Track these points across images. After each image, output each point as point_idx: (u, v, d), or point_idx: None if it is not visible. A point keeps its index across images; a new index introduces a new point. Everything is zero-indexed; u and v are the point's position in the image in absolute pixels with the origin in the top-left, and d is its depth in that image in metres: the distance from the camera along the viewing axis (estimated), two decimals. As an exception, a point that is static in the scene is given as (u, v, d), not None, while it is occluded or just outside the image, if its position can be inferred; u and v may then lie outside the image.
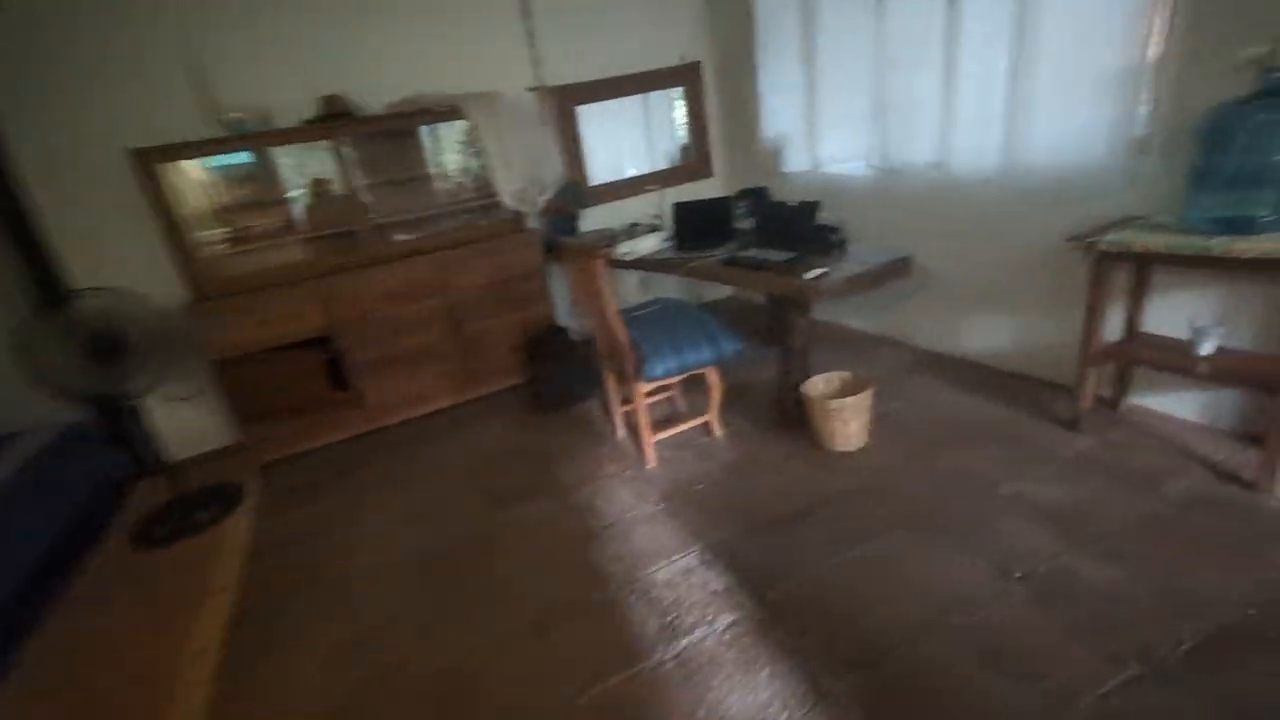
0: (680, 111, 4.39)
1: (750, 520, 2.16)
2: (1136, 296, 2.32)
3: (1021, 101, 2.47)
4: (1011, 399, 2.67)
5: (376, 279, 3.14)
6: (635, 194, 4.25)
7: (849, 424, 2.39)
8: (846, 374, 2.57)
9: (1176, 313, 2.27)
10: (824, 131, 3.50)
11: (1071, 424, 2.38)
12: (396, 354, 3.25)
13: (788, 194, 3.71)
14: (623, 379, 2.59)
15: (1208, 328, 2.05)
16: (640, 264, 3.22)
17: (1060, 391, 2.65)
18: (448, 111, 3.26)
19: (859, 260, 2.45)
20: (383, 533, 2.50)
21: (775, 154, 3.97)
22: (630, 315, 2.69)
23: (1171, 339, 2.23)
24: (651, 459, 2.61)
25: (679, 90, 4.31)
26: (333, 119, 3.08)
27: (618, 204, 4.24)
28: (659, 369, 2.29)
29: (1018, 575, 1.73)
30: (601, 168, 4.27)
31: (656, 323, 2.53)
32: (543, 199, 3.67)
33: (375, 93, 3.33)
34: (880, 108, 3.11)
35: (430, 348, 3.33)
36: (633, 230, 3.82)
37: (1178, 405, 2.35)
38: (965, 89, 2.66)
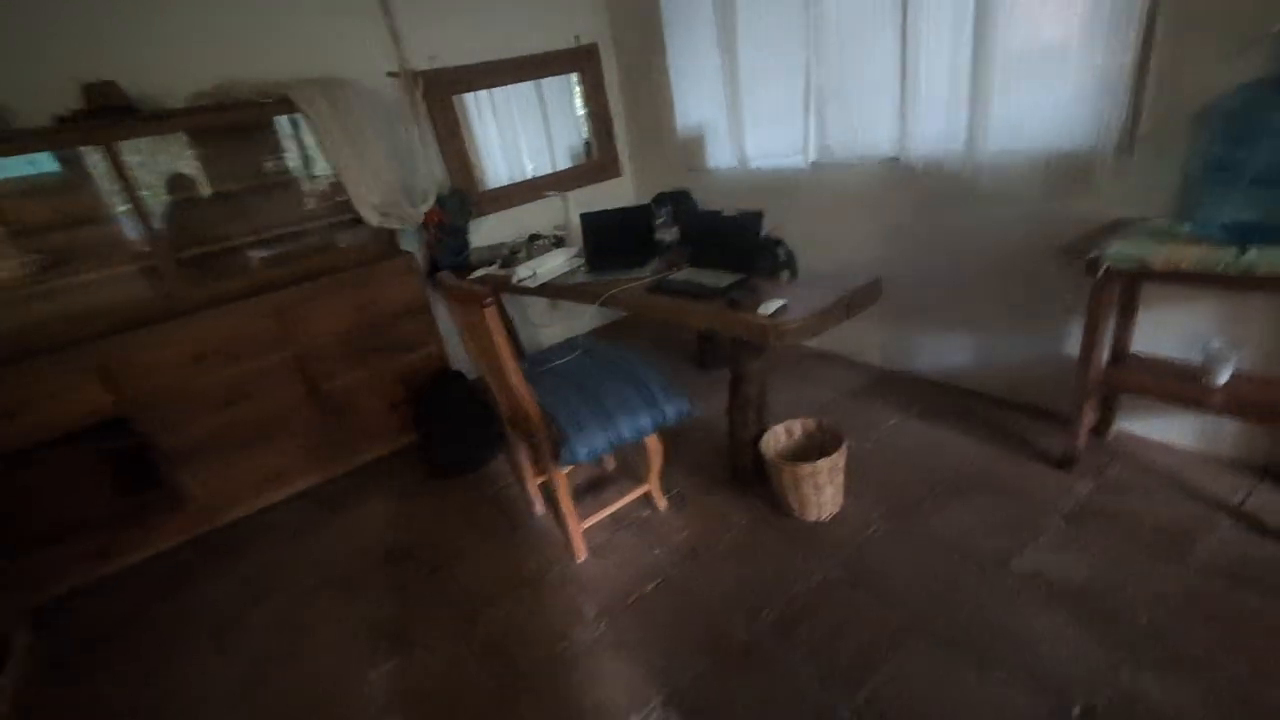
0: (580, 102, 3.78)
1: (721, 641, 1.65)
2: (1128, 312, 2.01)
3: (989, 82, 2.09)
4: (989, 430, 2.33)
5: (185, 334, 2.33)
6: (534, 199, 3.61)
7: (822, 490, 1.93)
8: (810, 421, 2.11)
9: (1164, 328, 2.00)
10: (751, 122, 3.03)
11: (1064, 463, 2.06)
12: (228, 429, 2.45)
13: (713, 196, 3.22)
14: (536, 454, 1.99)
15: (1223, 352, 1.75)
16: (546, 291, 2.61)
17: (1040, 417, 2.34)
18: (273, 105, 2.47)
19: (819, 284, 1.98)
20: (205, 707, 1.76)
21: (694, 149, 3.46)
22: (541, 371, 2.08)
23: (1172, 363, 1.94)
24: (582, 550, 2.04)
25: (578, 78, 3.70)
26: (99, 115, 2.22)
27: (514, 212, 3.58)
28: (582, 450, 1.72)
29: (1077, 712, 1.33)
30: (493, 170, 3.59)
31: (576, 382, 1.95)
32: (418, 212, 2.95)
33: (174, 80, 2.48)
34: (819, 93, 2.67)
35: (278, 416, 2.55)
36: (533, 245, 3.19)
37: (1172, 431, 2.09)
38: (924, 68, 2.26)
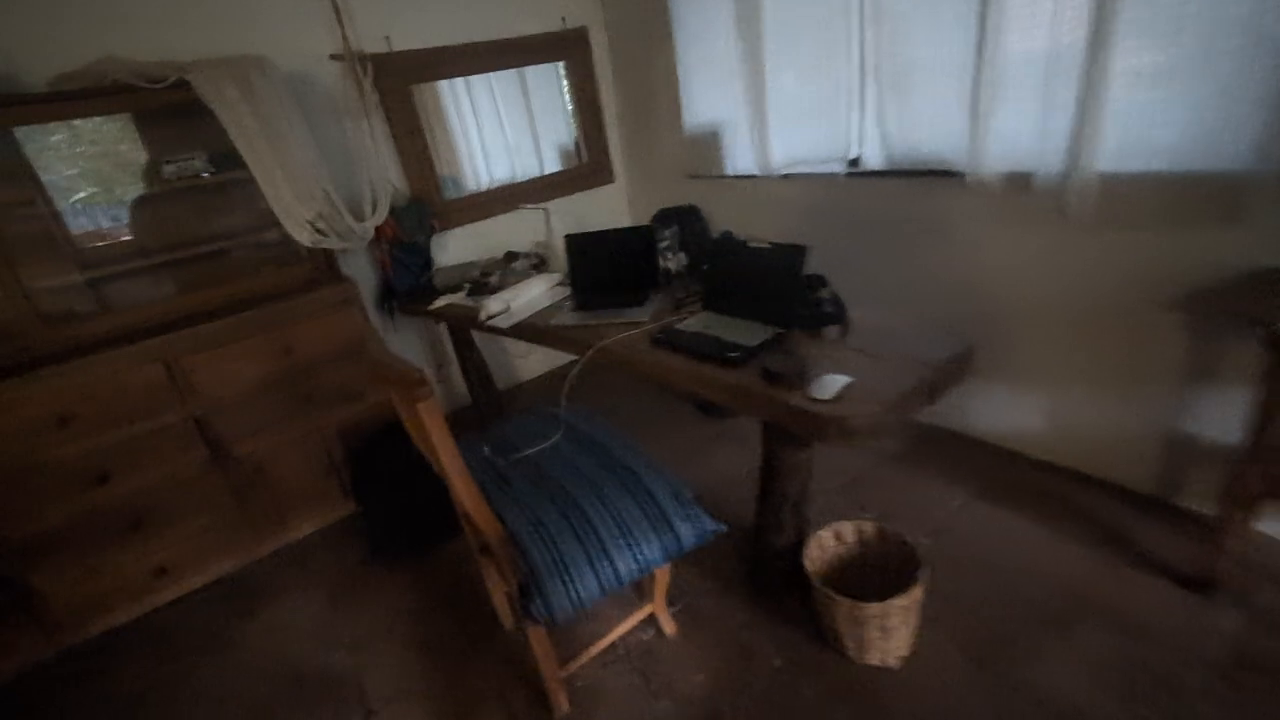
0: (568, 95, 3.23)
1: None
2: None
3: (1106, 75, 1.60)
4: (1079, 523, 1.84)
5: (43, 390, 1.76)
6: (511, 209, 3.06)
7: (892, 634, 1.42)
8: (867, 524, 1.60)
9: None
10: (777, 119, 2.50)
11: (1200, 585, 1.57)
12: (100, 512, 1.88)
13: (725, 210, 2.71)
14: (502, 574, 1.46)
15: None
16: (521, 332, 2.08)
17: (1143, 507, 1.86)
18: (164, 90, 1.90)
19: (881, 344, 1.46)
20: None
21: (702, 153, 2.94)
22: (508, 465, 1.54)
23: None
24: (563, 703, 1.51)
25: (564, 66, 3.15)
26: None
27: (487, 225, 3.03)
28: (562, 604, 1.18)
29: None
30: (463, 175, 3.04)
31: (556, 485, 1.41)
32: (366, 227, 2.40)
33: (41, 55, 1.91)
34: (877, 78, 2.17)
35: (171, 491, 1.99)
36: (508, 266, 2.65)
37: (1335, 541, 1.61)
38: (1013, 47, 1.77)
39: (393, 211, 2.55)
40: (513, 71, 3.09)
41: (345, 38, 2.41)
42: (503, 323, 2.09)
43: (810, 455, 1.50)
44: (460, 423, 3.02)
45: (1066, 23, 1.64)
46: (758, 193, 2.69)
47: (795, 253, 1.60)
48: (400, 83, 2.65)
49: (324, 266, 2.26)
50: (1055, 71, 1.71)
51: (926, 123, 2.08)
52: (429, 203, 2.76)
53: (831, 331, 1.59)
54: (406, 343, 2.90)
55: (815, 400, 1.27)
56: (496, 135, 3.15)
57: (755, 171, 2.64)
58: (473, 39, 2.78)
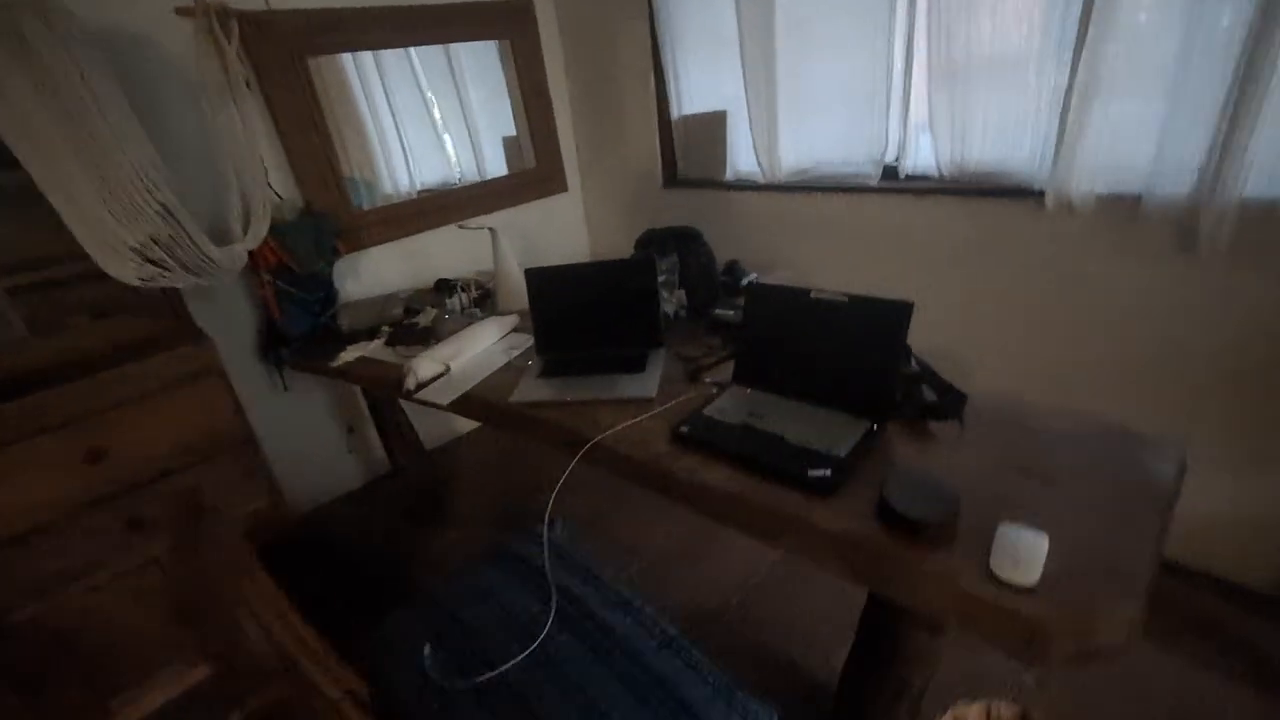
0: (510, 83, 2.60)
1: None
2: None
3: (1267, 78, 1.20)
4: (1241, 652, 1.43)
5: None
6: (442, 224, 2.41)
7: None
8: (1004, 707, 1.11)
9: None
10: (791, 111, 2.00)
11: None
12: None
13: (720, 229, 2.18)
14: None
15: None
16: (469, 409, 1.46)
17: (1258, 603, 1.48)
18: None
19: (1046, 455, 0.98)
20: None
21: (688, 155, 2.40)
22: (457, 699, 0.93)
23: None
24: None
25: (503, 47, 2.52)
26: None
27: (412, 243, 2.36)
28: None
29: None
30: (379, 177, 2.36)
31: None
32: (232, 253, 1.69)
33: None
34: (923, 70, 1.72)
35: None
36: (444, 301, 2.01)
37: None
38: (1128, 27, 1.34)
39: (276, 231, 1.85)
40: (440, 51, 2.44)
41: (200, -15, 1.69)
42: (440, 395, 1.46)
43: (939, 649, 0.98)
44: (377, 498, 2.34)
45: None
46: (762, 207, 2.18)
47: (894, 312, 1.08)
48: (286, 54, 1.95)
49: (166, 317, 1.53)
50: (1190, 61, 1.29)
51: (995, 127, 1.64)
52: (331, 217, 2.06)
53: (941, 427, 1.08)
54: (303, 401, 2.19)
55: (1005, 585, 0.75)
56: (423, 130, 2.48)
57: (758, 176, 2.13)
58: (382, 1, 2.12)
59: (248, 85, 1.80)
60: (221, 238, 1.68)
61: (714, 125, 2.25)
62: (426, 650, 0.95)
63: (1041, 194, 1.58)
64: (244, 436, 1.52)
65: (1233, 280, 1.39)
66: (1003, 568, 0.77)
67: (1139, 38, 1.34)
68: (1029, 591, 0.74)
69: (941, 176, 1.79)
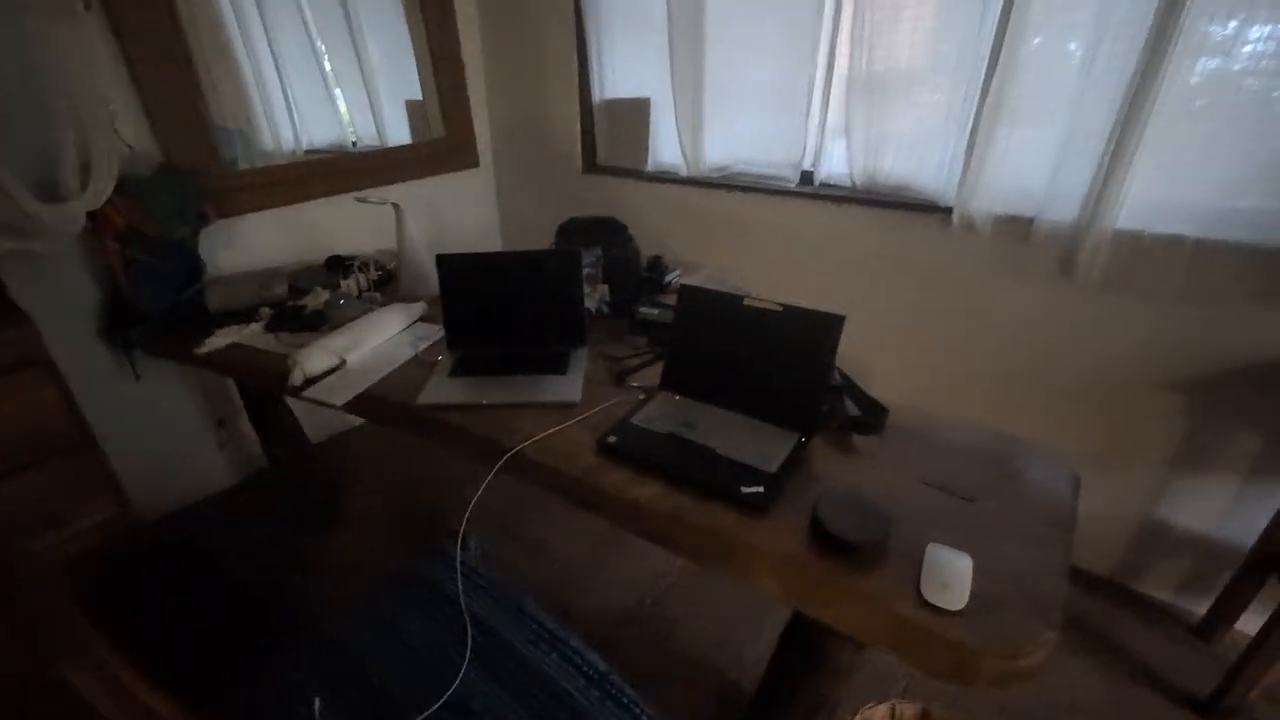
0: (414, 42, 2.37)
1: None
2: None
3: (1158, 98, 1.32)
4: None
5: None
6: (335, 192, 2.16)
7: None
8: (907, 707, 1.16)
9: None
10: (717, 106, 1.97)
11: (1211, 710, 1.39)
12: None
13: (642, 221, 2.13)
14: None
15: None
16: (367, 409, 1.31)
17: (1105, 590, 1.69)
18: None
19: (962, 474, 1.02)
20: None
21: (612, 141, 2.31)
22: None
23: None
24: None
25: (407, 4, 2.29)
26: None
27: (299, 212, 2.10)
28: None
29: None
30: (259, 131, 2.07)
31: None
32: (70, 210, 1.40)
33: None
34: (841, 80, 1.74)
35: None
36: (338, 281, 1.80)
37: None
38: (1033, 58, 1.42)
39: (127, 188, 1.56)
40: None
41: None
42: (334, 394, 1.30)
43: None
44: (252, 499, 2.09)
45: (1114, 27, 1.32)
46: (686, 201, 2.15)
47: (825, 324, 1.08)
48: (143, -24, 1.63)
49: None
50: (1086, 95, 1.40)
51: (908, 142, 1.70)
52: (198, 175, 1.77)
53: (862, 440, 1.11)
54: (159, 390, 1.89)
55: (935, 609, 0.77)
56: (312, 83, 2.21)
57: (681, 169, 2.10)
58: (271, -70, 1.83)
59: (86, 8, 1.49)
60: (51, 193, 1.39)
61: (637, 112, 2.18)
62: (317, 704, 0.83)
63: (947, 210, 1.67)
64: (78, 439, 1.27)
65: (1102, 306, 1.54)
66: (932, 592, 0.78)
67: (1044, 67, 1.43)
68: (957, 615, 0.76)
69: (854, 185, 1.84)
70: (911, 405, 1.15)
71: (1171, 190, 1.38)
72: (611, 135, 2.30)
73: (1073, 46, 1.41)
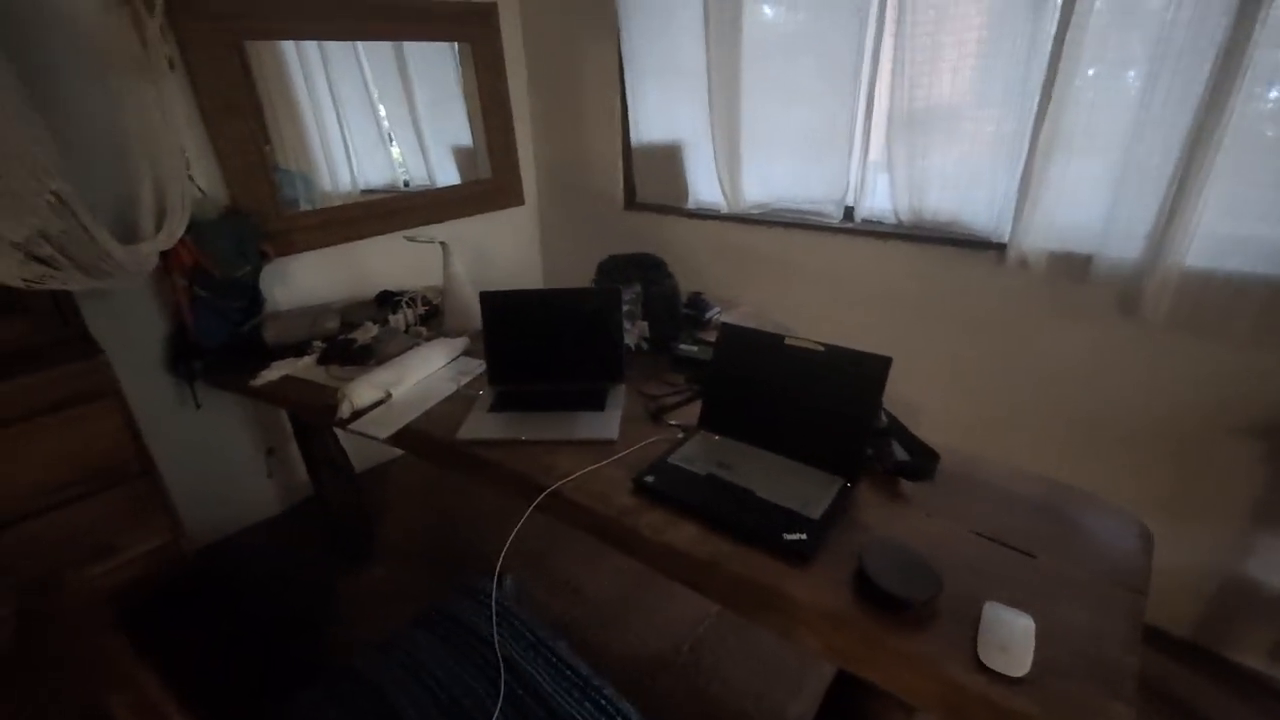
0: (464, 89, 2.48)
1: None
2: None
3: (1222, 132, 1.26)
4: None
5: None
6: (386, 231, 2.25)
7: None
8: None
9: None
10: (754, 145, 1.99)
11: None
12: None
13: (683, 258, 2.14)
14: None
15: None
16: (409, 443, 1.33)
17: (1186, 653, 1.55)
18: None
19: (1019, 525, 0.96)
20: None
21: (653, 179, 2.35)
22: None
23: None
24: None
25: (461, 50, 2.41)
26: None
27: (351, 250, 2.19)
28: None
29: None
30: (318, 175, 2.19)
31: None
32: (145, 251, 1.50)
33: None
34: (883, 116, 1.72)
35: None
36: (386, 316, 1.86)
37: None
38: (1089, 90, 1.38)
39: (194, 229, 1.66)
40: (388, 47, 2.30)
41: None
42: (378, 427, 1.32)
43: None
44: (295, 529, 2.14)
45: (1173, 58, 1.28)
46: (726, 238, 2.15)
47: (872, 366, 1.05)
48: (220, 35, 1.77)
49: (54, 324, 1.33)
50: (1145, 127, 1.34)
51: (954, 177, 1.67)
52: (259, 216, 1.88)
53: (911, 487, 1.06)
54: (215, 419, 1.97)
55: (994, 674, 0.72)
56: (368, 129, 2.33)
57: (721, 207, 2.11)
58: (337, -10, 1.97)
59: (170, 65, 1.62)
60: (129, 235, 1.49)
61: (672, 154, 2.21)
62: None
63: (996, 246, 1.62)
64: (141, 467, 1.33)
65: (1167, 347, 1.45)
66: (991, 655, 0.73)
67: (1099, 98, 1.39)
68: (1019, 682, 0.70)
69: (899, 221, 1.81)
70: (961, 450, 1.10)
71: (1244, 225, 1.31)
72: (650, 175, 2.34)
73: (1130, 76, 1.36)
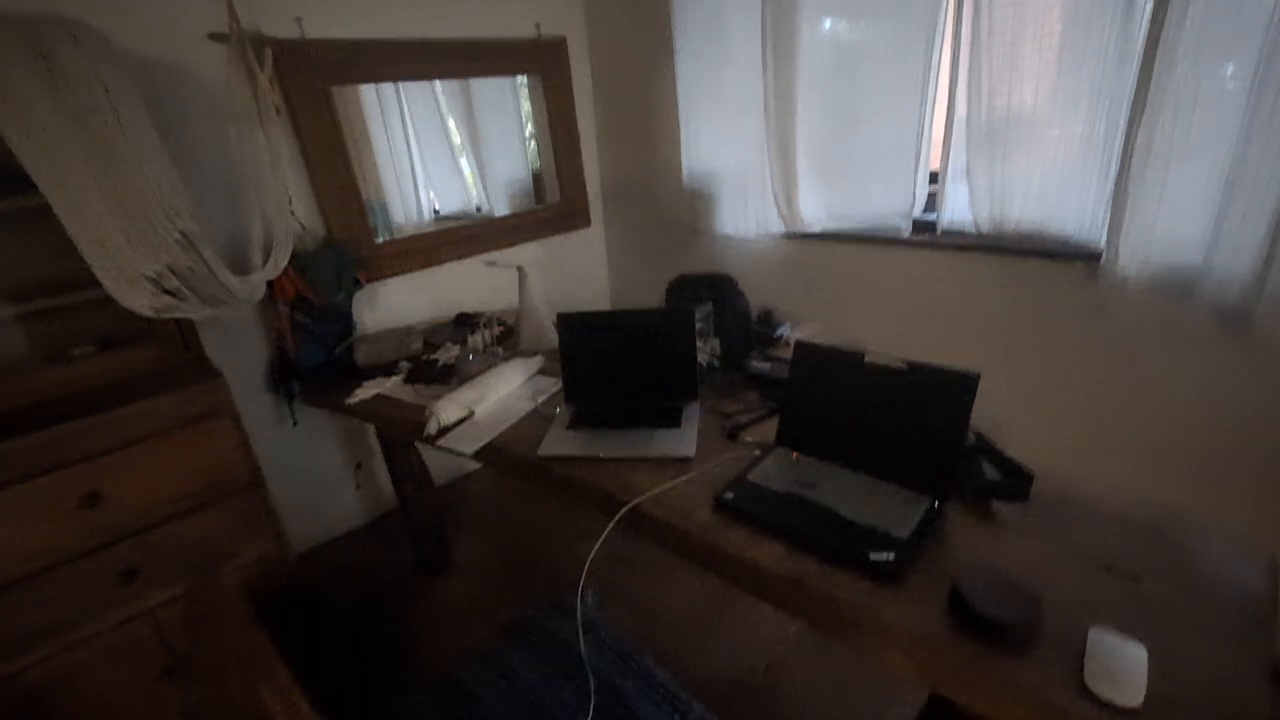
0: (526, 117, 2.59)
1: None
2: None
3: None
4: None
5: None
6: (460, 255, 2.36)
7: None
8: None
9: None
10: (813, 165, 1.99)
11: None
12: None
13: (748, 275, 2.15)
14: None
15: None
16: (492, 459, 1.39)
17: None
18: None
19: (1127, 550, 0.92)
20: None
21: (712, 200, 2.37)
22: None
23: None
24: None
25: (529, 84, 2.52)
26: None
27: (430, 275, 2.31)
28: None
29: None
30: (396, 207, 2.33)
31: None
32: (251, 283, 1.64)
33: None
34: (963, 128, 1.69)
35: None
36: (465, 338, 1.95)
37: None
38: (1186, 88, 1.31)
39: (296, 260, 1.80)
40: (455, 83, 2.43)
41: (233, 10, 1.67)
42: (464, 443, 1.39)
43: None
44: (380, 539, 2.25)
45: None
46: (791, 255, 2.15)
47: (958, 383, 1.03)
48: (316, 81, 1.93)
49: (178, 349, 1.47)
50: (1255, 125, 1.26)
51: (1039, 186, 1.61)
52: (353, 246, 2.02)
53: (1004, 508, 1.02)
54: (310, 435, 2.11)
55: (1103, 704, 0.69)
56: (439, 158, 2.47)
57: (780, 227, 2.11)
58: (416, 34, 2.10)
59: (277, 112, 1.78)
60: (241, 267, 1.63)
61: (737, 173, 2.23)
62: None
63: (1088, 257, 1.55)
64: (252, 480, 1.45)
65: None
66: (1099, 684, 0.70)
67: (1202, 100, 1.31)
68: (1133, 714, 0.67)
69: (980, 233, 1.76)
70: (1055, 471, 1.05)
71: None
72: (706, 199, 2.36)
73: (1234, 72, 1.29)
